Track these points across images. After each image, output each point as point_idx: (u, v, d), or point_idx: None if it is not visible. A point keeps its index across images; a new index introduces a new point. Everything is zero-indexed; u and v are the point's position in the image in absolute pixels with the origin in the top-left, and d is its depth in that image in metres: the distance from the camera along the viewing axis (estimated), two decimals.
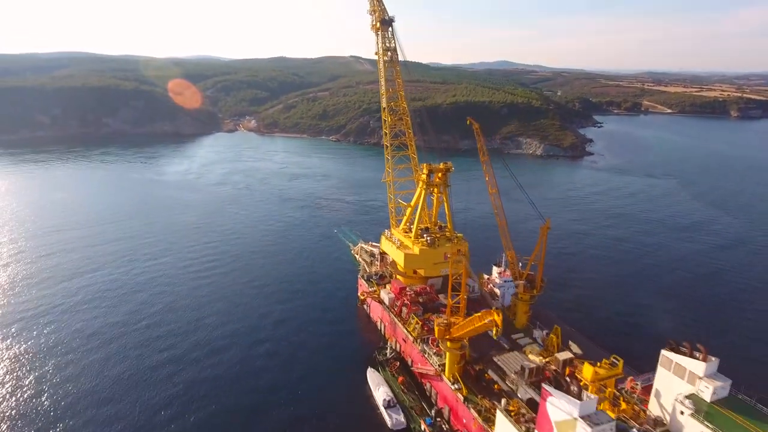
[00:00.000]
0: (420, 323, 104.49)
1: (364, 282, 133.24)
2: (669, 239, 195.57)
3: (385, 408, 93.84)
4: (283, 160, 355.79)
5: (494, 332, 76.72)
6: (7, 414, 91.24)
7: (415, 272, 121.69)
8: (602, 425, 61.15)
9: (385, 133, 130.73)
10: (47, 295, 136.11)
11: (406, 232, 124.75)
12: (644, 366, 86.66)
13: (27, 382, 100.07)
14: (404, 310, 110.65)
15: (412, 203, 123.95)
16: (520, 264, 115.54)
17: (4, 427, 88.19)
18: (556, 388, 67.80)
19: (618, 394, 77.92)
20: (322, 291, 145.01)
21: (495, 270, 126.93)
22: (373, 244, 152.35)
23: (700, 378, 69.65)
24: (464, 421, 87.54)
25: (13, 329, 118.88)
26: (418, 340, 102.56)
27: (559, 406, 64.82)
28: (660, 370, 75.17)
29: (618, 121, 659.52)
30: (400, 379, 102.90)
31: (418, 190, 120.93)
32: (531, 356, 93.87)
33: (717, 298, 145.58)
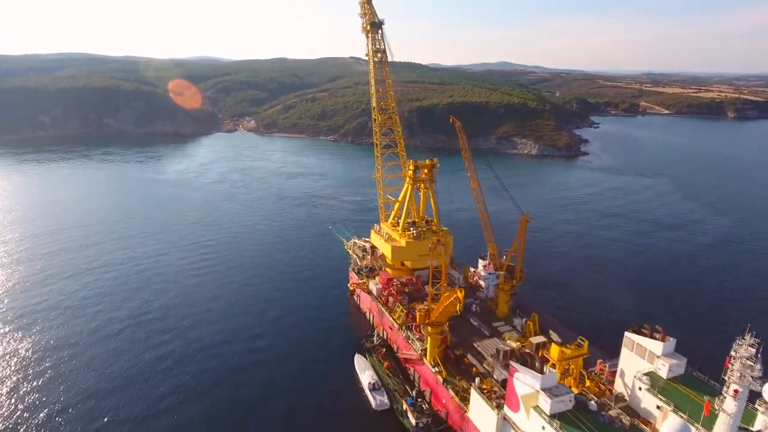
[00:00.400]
0: (405, 311, 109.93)
1: (355, 274, 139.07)
2: (655, 237, 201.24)
3: (370, 391, 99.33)
4: (281, 160, 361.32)
5: (458, 308, 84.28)
6: (21, 398, 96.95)
7: (402, 264, 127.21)
8: (561, 396, 66.65)
9: (375, 132, 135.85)
10: (52, 290, 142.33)
11: (394, 226, 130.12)
12: (617, 352, 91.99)
13: (40, 368, 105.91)
14: (390, 299, 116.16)
15: (400, 198, 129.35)
16: (504, 257, 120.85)
17: (21, 408, 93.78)
18: (522, 365, 73.12)
19: (584, 373, 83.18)
20: (316, 284, 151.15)
21: (480, 263, 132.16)
22: (366, 239, 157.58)
23: (658, 357, 74.97)
24: (443, 401, 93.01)
25: (21, 319, 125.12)
26: (403, 327, 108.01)
27: (524, 381, 70.30)
28: (624, 351, 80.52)
29: (615, 122, 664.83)
30: (386, 364, 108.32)
31: (406, 185, 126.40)
32: (509, 341, 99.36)
33: (690, 289, 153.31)
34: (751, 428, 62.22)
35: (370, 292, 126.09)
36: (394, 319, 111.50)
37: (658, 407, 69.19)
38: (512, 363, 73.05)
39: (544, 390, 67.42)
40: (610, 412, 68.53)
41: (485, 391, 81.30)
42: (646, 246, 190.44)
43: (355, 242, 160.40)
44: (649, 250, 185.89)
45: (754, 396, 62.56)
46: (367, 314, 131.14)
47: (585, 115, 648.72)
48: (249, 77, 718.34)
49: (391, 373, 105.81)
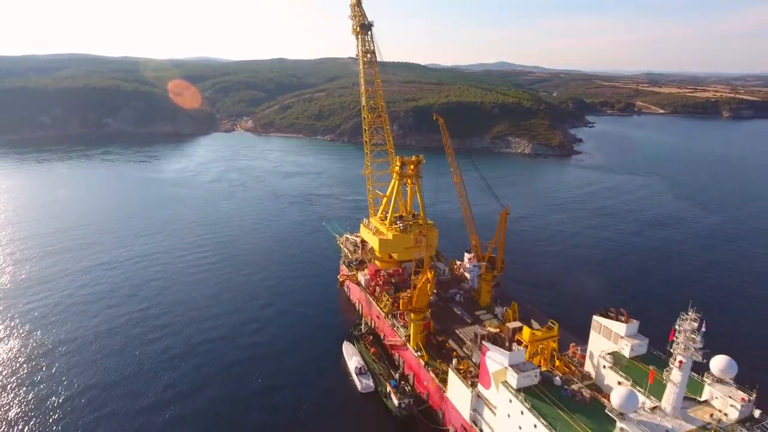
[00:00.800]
0: (391, 300, 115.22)
1: (345, 267, 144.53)
2: (640, 235, 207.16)
3: (356, 375, 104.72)
4: (278, 159, 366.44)
5: (428, 288, 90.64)
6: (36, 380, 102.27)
7: (390, 257, 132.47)
8: (527, 372, 71.92)
9: (365, 130, 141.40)
10: (55, 286, 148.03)
11: (382, 220, 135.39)
12: None
13: (47, 361, 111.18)
14: (378, 289, 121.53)
15: (388, 193, 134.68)
16: (491, 249, 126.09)
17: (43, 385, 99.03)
18: (493, 344, 78.37)
19: (556, 354, 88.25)
20: (309, 278, 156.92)
21: (466, 256, 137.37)
22: (357, 235, 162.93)
23: (622, 337, 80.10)
24: (425, 383, 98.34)
25: (29, 314, 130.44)
26: (389, 315, 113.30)
27: (494, 359, 75.59)
28: (592, 333, 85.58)
29: (611, 122, 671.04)
30: (372, 350, 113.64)
31: (393, 180, 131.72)
32: (489, 328, 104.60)
33: (667, 279, 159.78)
34: (698, 398, 67.42)
35: (358, 283, 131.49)
36: (380, 308, 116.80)
37: (618, 383, 74.25)
38: (484, 342, 78.30)
39: (511, 366, 72.58)
40: (573, 386, 73.59)
41: (462, 371, 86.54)
42: (634, 244, 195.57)
43: (347, 237, 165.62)
44: (637, 248, 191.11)
45: (704, 369, 67.99)
46: (357, 305, 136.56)
47: (581, 114, 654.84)
48: (248, 78, 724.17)
49: (377, 359, 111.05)
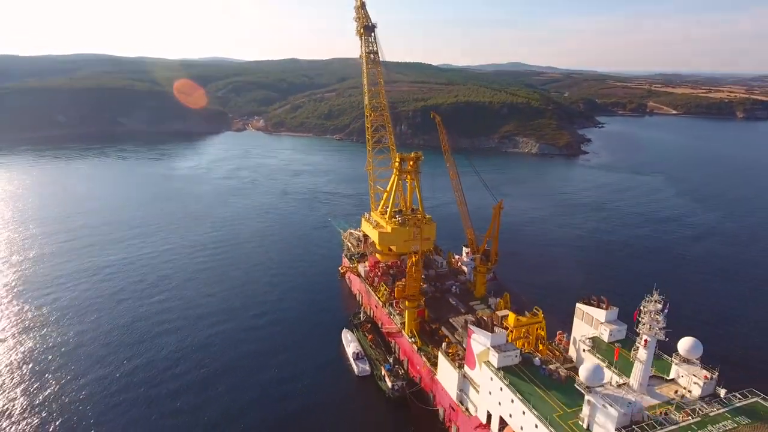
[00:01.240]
0: (388, 290, 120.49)
1: (347, 260, 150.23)
2: (640, 230, 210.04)
3: (353, 359, 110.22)
4: (288, 158, 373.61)
5: (414, 271, 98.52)
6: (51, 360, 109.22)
7: (390, 249, 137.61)
8: (508, 352, 76.84)
9: (367, 127, 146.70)
10: (73, 270, 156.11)
11: (383, 214, 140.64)
12: None
13: (62, 351, 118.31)
14: (376, 279, 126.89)
15: (388, 188, 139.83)
16: (485, 242, 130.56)
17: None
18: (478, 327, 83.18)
19: (542, 340, 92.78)
20: (313, 270, 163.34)
21: (464, 250, 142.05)
22: (360, 230, 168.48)
23: (602, 323, 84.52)
24: (418, 367, 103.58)
25: (42, 293, 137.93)
26: (386, 304, 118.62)
27: (478, 340, 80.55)
28: (575, 320, 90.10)
29: (622, 122, 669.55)
30: (370, 337, 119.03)
31: (393, 176, 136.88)
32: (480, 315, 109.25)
33: (660, 273, 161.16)
34: (666, 377, 71.75)
35: (359, 275, 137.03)
36: (378, 297, 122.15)
37: None
38: (470, 326, 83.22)
39: (493, 347, 77.45)
40: (550, 366, 78.14)
41: (450, 354, 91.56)
42: (633, 239, 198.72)
43: (351, 233, 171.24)
44: (637, 244, 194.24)
45: (672, 350, 72.38)
46: (357, 296, 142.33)
47: (591, 115, 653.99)
48: (260, 78, 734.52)
49: (374, 346, 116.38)
